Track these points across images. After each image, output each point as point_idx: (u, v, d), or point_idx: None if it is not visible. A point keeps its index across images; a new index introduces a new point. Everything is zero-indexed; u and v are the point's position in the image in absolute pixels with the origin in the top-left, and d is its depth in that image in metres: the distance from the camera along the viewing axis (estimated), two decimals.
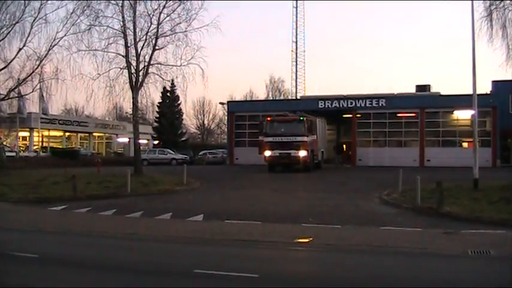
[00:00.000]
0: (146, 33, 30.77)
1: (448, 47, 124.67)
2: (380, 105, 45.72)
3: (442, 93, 46.87)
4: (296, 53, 78.27)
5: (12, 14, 31.43)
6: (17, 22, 31.43)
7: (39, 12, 31.33)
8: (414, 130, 44.94)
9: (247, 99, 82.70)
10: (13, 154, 49.84)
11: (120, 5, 30.19)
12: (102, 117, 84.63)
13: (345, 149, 51.59)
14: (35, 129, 59.32)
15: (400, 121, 45.74)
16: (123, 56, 30.52)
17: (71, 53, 30.04)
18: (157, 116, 69.46)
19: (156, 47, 30.83)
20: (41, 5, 31.35)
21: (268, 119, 37.35)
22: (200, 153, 59.79)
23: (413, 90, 50.25)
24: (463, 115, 42.11)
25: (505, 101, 43.98)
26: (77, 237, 13.37)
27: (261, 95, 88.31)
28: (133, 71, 30.55)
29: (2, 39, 31.60)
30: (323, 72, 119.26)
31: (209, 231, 13.70)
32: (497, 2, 22.68)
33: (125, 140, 71.63)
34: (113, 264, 9.92)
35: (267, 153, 36.25)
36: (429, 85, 50.10)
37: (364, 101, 46.14)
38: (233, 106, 54.60)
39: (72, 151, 57.04)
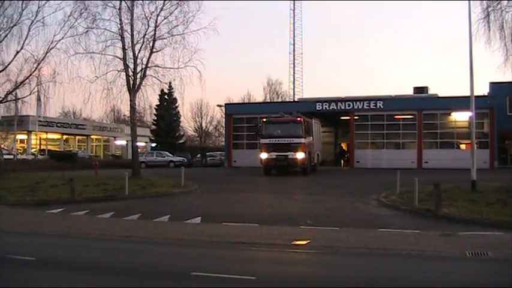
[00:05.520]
0: (144, 36, 30.86)
1: (445, 49, 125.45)
2: (378, 107, 45.69)
3: (440, 95, 46.89)
4: (294, 55, 78.46)
5: (10, 17, 31.46)
6: (15, 25, 31.45)
7: (36, 15, 31.38)
8: (412, 132, 44.92)
9: (245, 101, 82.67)
10: (11, 157, 49.81)
11: (118, 7, 30.30)
12: (100, 119, 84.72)
13: (346, 152, 51.70)
14: (32, 132, 59.36)
15: (397, 123, 45.72)
16: (120, 59, 30.56)
17: (69, 56, 30.14)
18: (155, 118, 69.41)
19: (154, 50, 30.90)
20: (39, 7, 31.43)
21: (264, 120, 36.31)
22: (198, 156, 59.76)
23: (411, 92, 50.30)
24: (460, 117, 42.05)
25: (502, 102, 44.03)
26: (74, 240, 13.34)
27: (258, 97, 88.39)
28: (130, 73, 30.58)
29: (0, 42, 31.59)
30: (321, 74, 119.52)
31: (207, 234, 13.69)
32: (495, 4, 22.73)
33: (123, 142, 71.68)
34: (111, 266, 9.90)
35: (263, 155, 35.09)
36: (427, 87, 50.15)
37: (361, 103, 46.09)
38: (231, 108, 54.52)
39: (70, 154, 56.98)
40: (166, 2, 30.81)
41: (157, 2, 30.88)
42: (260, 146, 36.18)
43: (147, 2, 31.00)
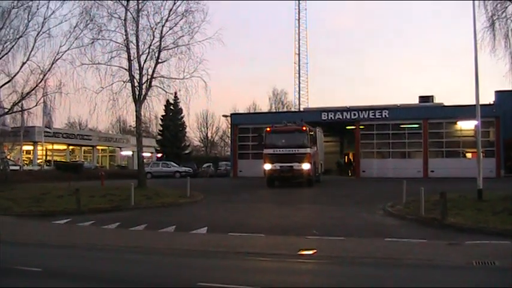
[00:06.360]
0: (149, 47, 30.92)
1: (451, 57, 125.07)
2: (383, 116, 45.70)
3: (445, 104, 46.87)
4: (299, 65, 78.55)
5: (16, 29, 31.70)
6: (21, 36, 31.68)
7: (42, 27, 31.57)
8: (418, 141, 44.87)
9: (251, 111, 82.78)
10: (17, 168, 49.98)
11: (123, 18, 30.38)
12: (106, 130, 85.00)
13: (352, 161, 51.57)
14: (38, 143, 59.54)
15: (403, 132, 45.72)
16: (126, 70, 30.63)
17: (74, 67, 30.19)
18: (161, 128, 69.62)
19: (159, 60, 30.95)
20: (45, 19, 31.59)
21: (268, 129, 34.61)
22: (204, 166, 59.80)
23: (416, 101, 50.35)
24: (466, 125, 41.96)
25: (508, 111, 43.82)
26: (80, 250, 13.36)
27: (264, 107, 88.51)
28: (136, 84, 30.64)
29: (6, 53, 31.83)
30: (326, 84, 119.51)
31: (213, 244, 13.66)
32: (500, 12, 22.71)
33: (129, 153, 71.75)
34: (117, 277, 9.89)
35: (267, 166, 33.39)
36: (432, 96, 50.21)
37: (367, 112, 46.11)
38: (236, 118, 54.67)
39: (75, 164, 56.94)
40: (171, 12, 30.97)
41: (162, 13, 31.04)
42: (263, 157, 34.47)
43: (152, 12, 31.15)
